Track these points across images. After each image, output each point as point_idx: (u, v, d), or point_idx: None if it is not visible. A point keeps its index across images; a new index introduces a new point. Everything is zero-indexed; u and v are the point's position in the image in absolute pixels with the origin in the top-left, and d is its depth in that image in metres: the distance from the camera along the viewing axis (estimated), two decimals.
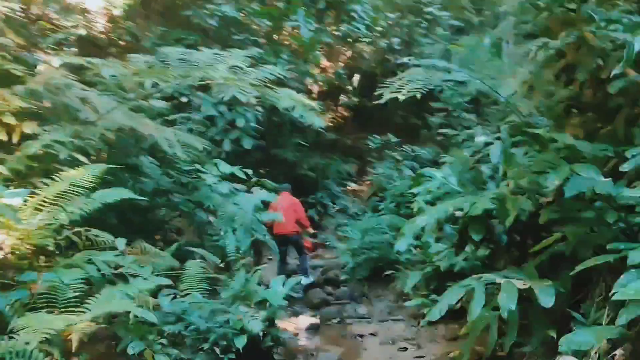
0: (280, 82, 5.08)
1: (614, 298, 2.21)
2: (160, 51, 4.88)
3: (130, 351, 2.95)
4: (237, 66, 4.55)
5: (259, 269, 4.63)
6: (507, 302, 2.69)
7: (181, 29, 8.88)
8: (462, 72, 4.07)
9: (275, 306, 4.10)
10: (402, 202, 7.58)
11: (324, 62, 12.75)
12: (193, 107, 7.97)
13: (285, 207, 6.62)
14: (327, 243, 9.07)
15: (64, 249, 3.48)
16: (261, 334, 3.70)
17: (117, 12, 9.35)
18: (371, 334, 5.19)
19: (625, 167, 2.82)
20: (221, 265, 4.62)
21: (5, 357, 2.29)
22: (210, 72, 4.36)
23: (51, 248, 3.27)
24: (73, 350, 2.55)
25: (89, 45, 8.57)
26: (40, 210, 3.26)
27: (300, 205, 6.91)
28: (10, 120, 3.99)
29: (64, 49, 7.95)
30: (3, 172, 3.56)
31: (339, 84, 13.10)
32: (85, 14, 9.10)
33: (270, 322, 4.08)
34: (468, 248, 4.10)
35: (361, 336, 5.17)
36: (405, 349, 4.67)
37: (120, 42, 9.17)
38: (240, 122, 8.22)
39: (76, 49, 8.16)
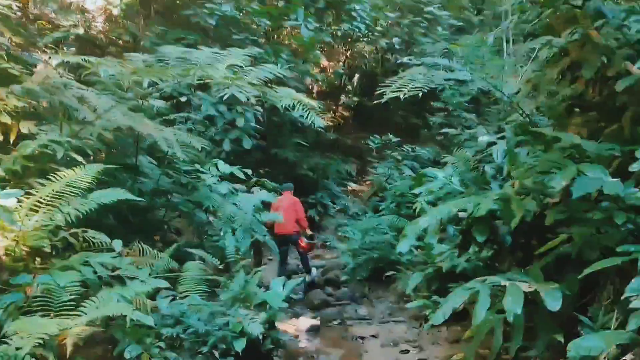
0: (280, 82, 5.02)
1: (631, 306, 2.14)
2: (159, 50, 4.82)
3: (127, 355, 2.89)
4: (236, 65, 4.49)
5: (258, 270, 4.58)
6: (513, 305, 2.63)
7: (181, 29, 8.82)
8: (464, 71, 4.02)
9: (275, 308, 4.04)
10: (402, 202, 7.54)
11: (324, 62, 12.71)
12: (193, 107, 7.91)
13: (285, 207, 6.58)
14: (328, 243, 9.03)
15: (60, 251, 3.43)
16: (261, 336, 3.63)
17: (116, 11, 9.31)
18: (372, 336, 5.13)
19: (634, 167, 2.76)
20: (220, 266, 4.56)
21: None
22: (209, 71, 4.30)
23: (47, 250, 3.21)
24: (68, 355, 2.48)
25: (88, 45, 8.52)
26: (36, 211, 3.20)
27: (300, 205, 6.86)
28: (7, 119, 3.94)
29: (63, 48, 7.90)
30: None
31: (339, 83, 13.06)
32: (84, 14, 9.06)
33: (270, 324, 4.02)
34: (471, 249, 4.04)
35: (362, 338, 5.11)
36: (407, 351, 4.61)
37: (120, 41, 9.13)
38: (240, 122, 8.18)
39: (75, 49, 8.10)
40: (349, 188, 11.51)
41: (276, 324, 4.18)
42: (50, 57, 5.61)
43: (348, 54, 13.04)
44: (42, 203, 3.21)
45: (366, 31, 11.52)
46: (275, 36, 10.64)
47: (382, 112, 12.42)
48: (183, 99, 7.77)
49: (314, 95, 11.55)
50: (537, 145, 3.46)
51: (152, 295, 3.53)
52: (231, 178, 6.14)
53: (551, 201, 3.13)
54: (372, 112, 12.72)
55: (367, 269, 6.57)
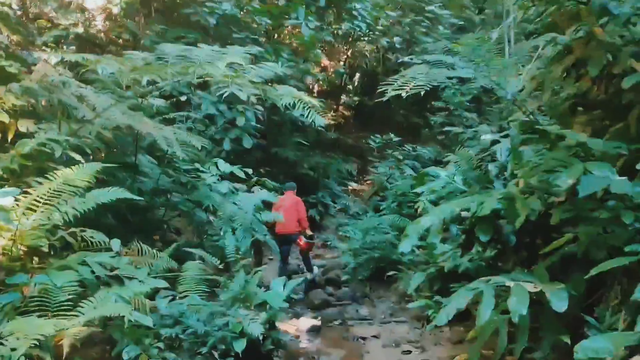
0: (280, 81, 4.99)
1: None
2: (159, 48, 4.78)
3: (125, 356, 2.85)
4: (236, 63, 4.44)
5: (259, 270, 4.53)
6: (518, 306, 2.59)
7: (181, 28, 8.78)
8: (468, 68, 3.96)
9: (275, 308, 3.99)
10: (403, 202, 7.51)
11: (325, 61, 12.67)
12: (192, 106, 7.87)
13: (287, 207, 6.55)
14: (328, 243, 9.00)
15: (58, 250, 3.39)
16: (261, 337, 3.59)
17: (116, 10, 9.27)
18: (373, 336, 5.09)
19: None
20: (220, 266, 4.52)
21: None
22: (209, 69, 4.26)
23: (45, 249, 3.17)
24: (64, 356, 2.44)
25: (88, 44, 8.49)
26: (34, 210, 3.15)
27: (302, 205, 6.83)
28: (5, 118, 3.90)
29: (63, 47, 7.87)
30: None
31: (340, 83, 13.02)
32: (84, 12, 9.03)
33: (270, 324, 3.97)
34: (474, 249, 3.99)
35: (363, 338, 5.07)
36: (409, 352, 4.57)
37: (120, 40, 9.09)
38: (240, 121, 8.13)
39: (75, 48, 8.07)
40: (350, 187, 11.49)
41: (277, 324, 4.14)
42: (50, 56, 5.57)
43: (349, 53, 13.00)
44: (39, 202, 3.17)
45: (367, 30, 11.47)
46: (276, 35, 10.60)
47: (383, 111, 12.39)
48: (183, 97, 7.74)
49: (315, 94, 11.51)
50: (542, 144, 3.41)
51: (152, 295, 3.49)
52: (231, 177, 6.10)
53: (556, 200, 3.08)
54: (373, 112, 12.69)
55: (368, 268, 6.54)
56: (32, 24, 8.45)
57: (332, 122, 12.41)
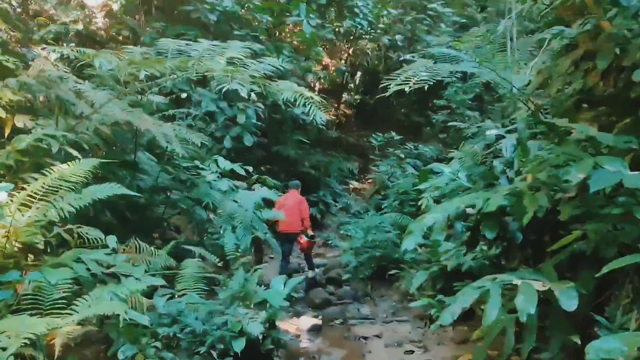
0: (281, 78, 4.92)
1: None
2: (158, 43, 4.71)
3: (120, 356, 2.78)
4: (236, 58, 4.37)
5: (259, 268, 4.45)
6: (526, 305, 2.50)
7: (181, 25, 8.73)
8: (472, 63, 3.88)
9: (275, 307, 3.92)
10: (405, 200, 7.45)
11: (326, 59, 12.62)
12: (193, 103, 7.81)
13: (290, 205, 6.49)
14: (330, 241, 8.93)
15: (54, 247, 3.32)
16: (261, 336, 3.51)
17: (116, 7, 9.23)
18: (375, 336, 5.01)
19: None
20: (220, 264, 4.45)
21: None
22: (209, 64, 4.18)
23: (40, 246, 3.10)
24: (56, 355, 2.37)
25: (88, 41, 8.45)
26: (29, 206, 3.09)
27: (306, 205, 6.78)
28: (1, 113, 3.84)
29: (63, 44, 7.82)
30: None
31: (341, 81, 12.96)
32: (84, 9, 8.98)
33: (270, 323, 3.90)
34: (479, 247, 3.91)
35: (365, 338, 4.99)
36: (412, 352, 4.48)
37: (120, 37, 9.04)
38: (241, 119, 8.07)
39: (74, 45, 8.02)
40: (351, 186, 11.43)
41: (277, 323, 4.06)
42: (49, 52, 5.51)
43: (350, 51, 12.93)
44: (34, 198, 3.10)
45: (369, 28, 11.41)
46: (277, 33, 10.53)
47: (384, 109, 12.33)
48: (183, 95, 7.68)
49: (316, 92, 11.45)
50: (550, 138, 3.32)
51: (149, 293, 3.42)
52: (232, 175, 6.04)
53: (566, 196, 3.00)
54: (375, 110, 12.63)
55: (369, 267, 6.47)
56: (32, 21, 8.41)
57: (334, 119, 12.35)
